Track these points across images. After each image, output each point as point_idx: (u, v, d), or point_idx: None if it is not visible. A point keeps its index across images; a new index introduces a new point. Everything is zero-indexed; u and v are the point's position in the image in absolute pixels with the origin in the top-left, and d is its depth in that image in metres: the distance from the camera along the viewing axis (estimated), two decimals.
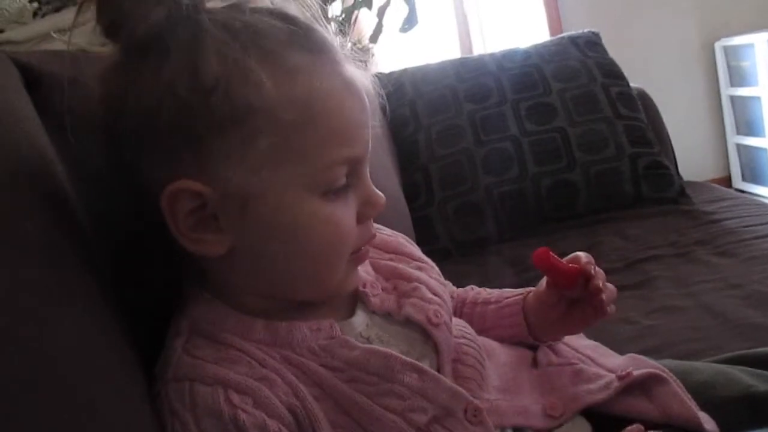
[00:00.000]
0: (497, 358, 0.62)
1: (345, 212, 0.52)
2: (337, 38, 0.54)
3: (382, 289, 0.59)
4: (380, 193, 0.55)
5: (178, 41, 0.47)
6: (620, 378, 0.59)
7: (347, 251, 0.53)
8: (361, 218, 0.54)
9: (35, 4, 0.96)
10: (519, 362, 0.63)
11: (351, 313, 0.57)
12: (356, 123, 0.51)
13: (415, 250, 0.66)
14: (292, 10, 0.52)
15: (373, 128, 0.54)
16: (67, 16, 0.59)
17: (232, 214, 0.49)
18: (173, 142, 0.47)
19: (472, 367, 0.58)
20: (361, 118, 0.52)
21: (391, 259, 0.63)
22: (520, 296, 0.69)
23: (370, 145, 0.54)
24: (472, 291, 0.74)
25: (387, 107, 0.64)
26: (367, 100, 0.53)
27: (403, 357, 0.53)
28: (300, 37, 0.50)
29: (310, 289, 0.54)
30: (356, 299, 0.58)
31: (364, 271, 0.59)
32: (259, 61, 0.47)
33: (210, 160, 0.47)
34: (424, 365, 0.54)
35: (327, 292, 0.54)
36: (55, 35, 0.51)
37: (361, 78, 0.53)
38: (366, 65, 0.58)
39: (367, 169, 0.54)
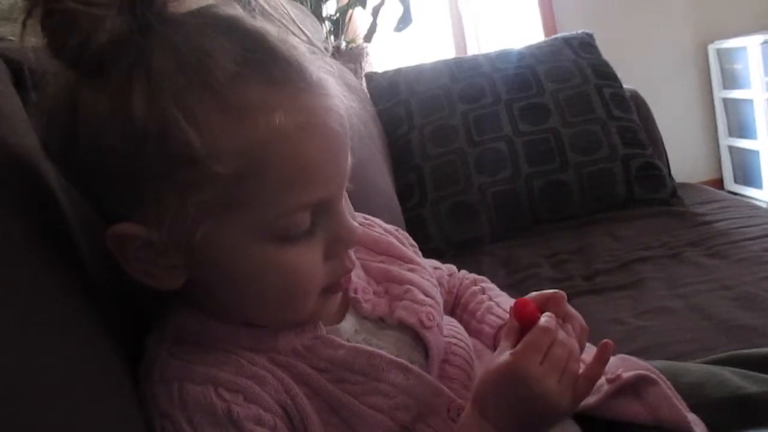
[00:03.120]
0: (486, 358, 0.62)
1: (306, 256, 0.47)
2: (325, 45, 0.49)
3: (374, 293, 0.58)
4: (354, 225, 0.50)
5: (117, 70, 0.42)
6: (610, 381, 0.59)
7: (311, 292, 0.49)
8: (331, 255, 0.49)
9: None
10: None
11: (341, 319, 0.56)
12: (320, 163, 0.46)
13: (406, 250, 0.65)
14: (258, 23, 0.47)
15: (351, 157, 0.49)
16: None
17: (180, 256, 0.46)
18: (114, 182, 0.44)
19: (459, 367, 0.58)
20: (327, 156, 0.46)
21: (382, 261, 0.61)
22: (493, 331, 0.66)
23: (345, 179, 0.49)
24: (467, 290, 0.73)
25: (377, 109, 0.59)
26: (341, 132, 0.47)
27: (388, 355, 0.53)
28: (258, 64, 0.44)
29: (278, 321, 0.51)
30: (347, 304, 0.57)
31: (355, 274, 0.58)
32: (198, 102, 0.42)
33: (149, 206, 0.44)
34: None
35: (298, 322, 0.52)
36: (12, 38, 0.45)
37: (337, 102, 0.47)
38: (360, 65, 0.54)
39: (342, 205, 0.49)
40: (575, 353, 0.51)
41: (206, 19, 0.46)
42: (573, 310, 0.57)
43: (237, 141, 0.43)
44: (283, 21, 0.48)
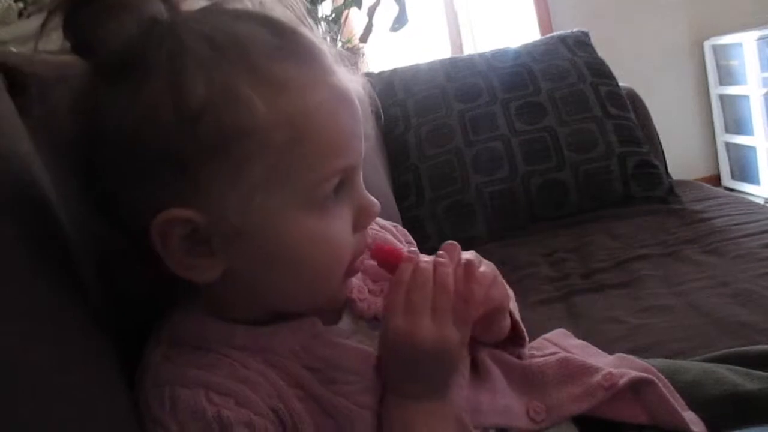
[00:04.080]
0: (479, 355, 0.62)
1: (340, 226, 0.50)
2: (326, 39, 0.52)
3: (369, 292, 0.58)
4: (374, 199, 0.53)
5: (158, 60, 0.44)
6: (606, 389, 0.59)
7: (344, 266, 0.51)
8: (356, 228, 0.51)
9: (20, 4, 0.95)
10: (501, 356, 0.62)
11: (338, 319, 0.56)
12: (348, 132, 0.49)
13: (402, 247, 0.65)
14: (276, 12, 0.50)
15: (366, 136, 0.52)
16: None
17: (225, 239, 0.47)
18: (159, 171, 0.45)
19: None
20: (353, 126, 0.50)
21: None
22: None
23: (363, 151, 0.52)
24: None
25: (381, 111, 0.60)
26: (358, 105, 0.51)
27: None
28: (286, 45, 0.47)
29: (303, 304, 0.52)
30: (344, 304, 0.57)
31: None
32: (247, 79, 0.44)
33: (199, 187, 0.45)
34: None
35: (319, 305, 0.53)
36: (13, 49, 0.46)
37: (353, 82, 0.51)
38: (356, 65, 0.56)
39: (361, 177, 0.52)
40: (443, 285, 0.51)
41: (224, 11, 0.49)
42: (470, 256, 0.55)
43: (285, 110, 0.45)
44: (293, 12, 0.51)
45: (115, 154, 0.45)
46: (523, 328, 0.63)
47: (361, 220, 0.52)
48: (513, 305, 0.64)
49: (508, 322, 0.61)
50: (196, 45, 0.44)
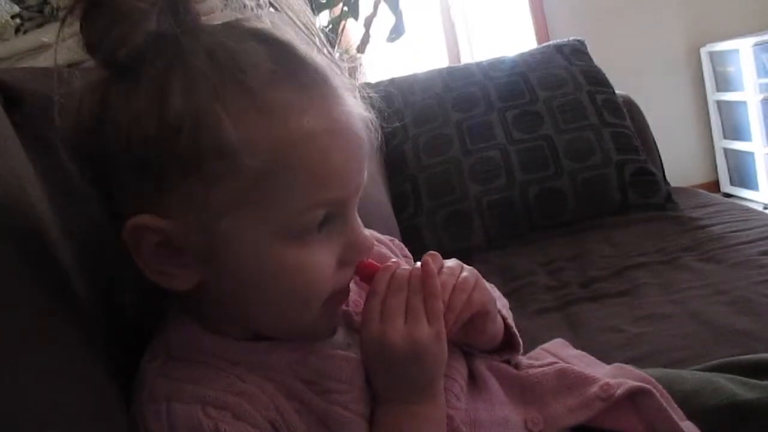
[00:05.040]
0: (477, 367, 0.62)
1: (320, 258, 0.48)
2: (343, 71, 0.50)
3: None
4: (368, 235, 0.51)
5: (153, 69, 0.45)
6: (603, 400, 0.59)
7: (320, 298, 0.50)
8: (342, 263, 0.50)
9: (17, 20, 0.96)
10: (498, 367, 0.62)
11: (333, 332, 0.56)
12: (340, 166, 0.47)
13: (399, 261, 0.65)
14: (290, 35, 0.49)
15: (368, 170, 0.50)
16: (50, 32, 0.59)
17: (197, 252, 0.47)
18: (139, 175, 0.46)
19: (451, 378, 0.57)
20: (349, 160, 0.48)
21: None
22: None
23: (361, 185, 0.50)
24: None
25: (382, 136, 0.59)
26: (362, 138, 0.49)
27: None
28: (286, 70, 0.46)
29: (282, 331, 0.52)
30: (339, 318, 0.57)
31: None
32: (233, 99, 0.44)
33: (172, 198, 0.45)
34: None
35: (299, 333, 0.52)
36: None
37: (360, 112, 0.50)
38: (354, 76, 0.55)
39: (355, 212, 0.51)
40: (417, 288, 0.51)
41: (238, 29, 0.48)
42: (452, 263, 0.56)
43: (268, 137, 0.44)
44: (311, 37, 0.50)
45: (106, 150, 0.46)
46: (517, 333, 0.64)
47: (349, 255, 0.51)
48: (507, 312, 0.65)
49: (499, 327, 0.61)
50: (196, 60, 0.45)
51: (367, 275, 0.53)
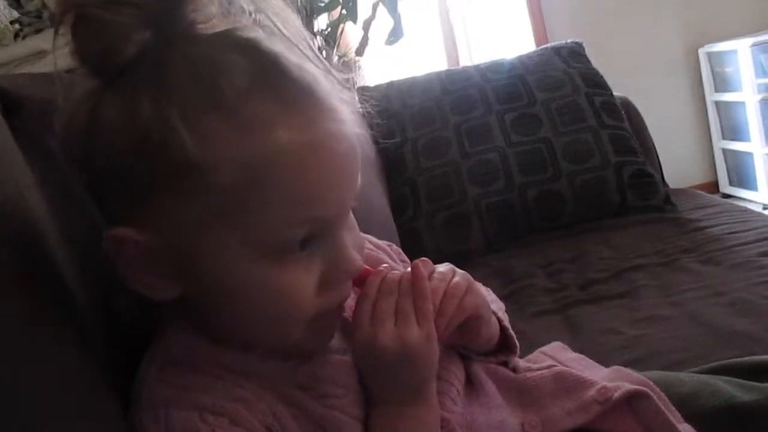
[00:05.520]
0: (474, 370, 0.62)
1: (297, 278, 0.47)
2: (341, 82, 0.48)
3: None
4: (355, 257, 0.49)
5: (133, 79, 0.44)
6: (600, 403, 0.59)
7: (301, 319, 0.48)
8: (326, 284, 0.48)
9: (16, 26, 0.96)
10: (496, 371, 0.62)
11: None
12: (324, 183, 0.46)
13: (396, 266, 0.64)
14: (280, 47, 0.48)
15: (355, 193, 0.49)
16: (48, 37, 0.58)
17: (175, 265, 0.47)
18: (120, 185, 0.46)
19: (447, 381, 0.58)
20: (330, 176, 0.46)
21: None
22: None
23: (349, 202, 0.49)
24: None
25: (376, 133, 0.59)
26: (349, 154, 0.47)
27: None
28: (268, 84, 0.45)
29: (265, 344, 0.51)
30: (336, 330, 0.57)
31: None
32: (203, 115, 0.43)
33: (150, 211, 0.45)
34: None
35: (292, 348, 0.51)
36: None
37: (350, 129, 0.48)
38: (352, 80, 0.54)
39: (343, 232, 0.49)
40: (407, 291, 0.51)
41: (226, 38, 0.47)
42: (444, 268, 0.56)
43: (238, 153, 0.43)
44: (301, 47, 0.49)
45: (96, 156, 0.46)
46: (513, 335, 0.64)
47: (332, 276, 0.49)
48: (503, 314, 0.65)
49: (494, 330, 0.61)
50: (174, 71, 0.44)
51: (359, 279, 0.53)
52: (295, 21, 0.50)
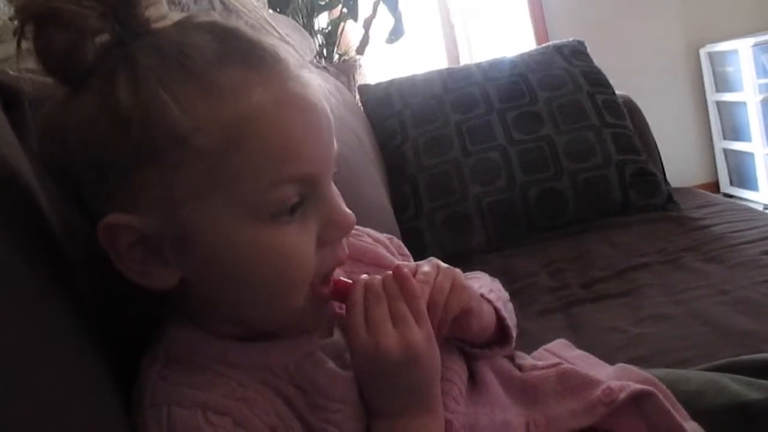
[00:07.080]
0: (478, 368, 0.61)
1: (298, 237, 0.47)
2: (309, 48, 0.51)
3: None
4: (348, 211, 0.50)
5: (102, 73, 0.45)
6: (606, 404, 0.58)
7: (302, 280, 0.49)
8: (323, 241, 0.49)
9: (16, 21, 0.95)
10: (501, 369, 0.62)
11: (330, 334, 0.56)
12: (302, 139, 0.47)
13: (395, 260, 0.64)
14: (237, 24, 0.50)
15: (336, 144, 0.50)
16: None
17: (171, 246, 0.47)
18: (100, 176, 0.46)
19: (449, 380, 0.57)
20: (308, 132, 0.47)
21: (368, 272, 0.60)
22: None
23: (330, 161, 0.50)
24: None
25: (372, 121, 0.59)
26: (322, 108, 0.49)
27: None
28: (232, 52, 0.46)
29: (270, 320, 0.51)
30: (334, 319, 0.56)
31: None
32: (180, 85, 0.44)
33: (139, 193, 0.45)
34: None
35: (292, 323, 0.51)
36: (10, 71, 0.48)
37: (317, 83, 0.49)
38: (353, 78, 0.55)
39: (331, 187, 0.50)
40: (395, 293, 0.51)
41: (186, 24, 0.49)
42: (428, 268, 0.55)
43: (218, 116, 0.44)
44: (258, 24, 0.50)
45: (73, 161, 0.46)
46: (509, 326, 0.63)
47: (328, 232, 0.49)
48: (502, 304, 0.64)
49: (487, 321, 0.60)
50: (142, 57, 0.45)
51: (341, 293, 0.52)
52: (254, 7, 0.51)
